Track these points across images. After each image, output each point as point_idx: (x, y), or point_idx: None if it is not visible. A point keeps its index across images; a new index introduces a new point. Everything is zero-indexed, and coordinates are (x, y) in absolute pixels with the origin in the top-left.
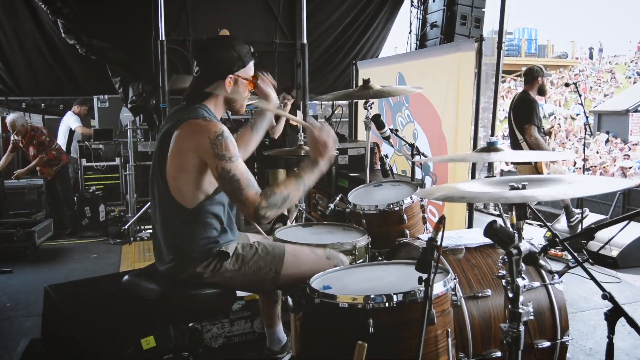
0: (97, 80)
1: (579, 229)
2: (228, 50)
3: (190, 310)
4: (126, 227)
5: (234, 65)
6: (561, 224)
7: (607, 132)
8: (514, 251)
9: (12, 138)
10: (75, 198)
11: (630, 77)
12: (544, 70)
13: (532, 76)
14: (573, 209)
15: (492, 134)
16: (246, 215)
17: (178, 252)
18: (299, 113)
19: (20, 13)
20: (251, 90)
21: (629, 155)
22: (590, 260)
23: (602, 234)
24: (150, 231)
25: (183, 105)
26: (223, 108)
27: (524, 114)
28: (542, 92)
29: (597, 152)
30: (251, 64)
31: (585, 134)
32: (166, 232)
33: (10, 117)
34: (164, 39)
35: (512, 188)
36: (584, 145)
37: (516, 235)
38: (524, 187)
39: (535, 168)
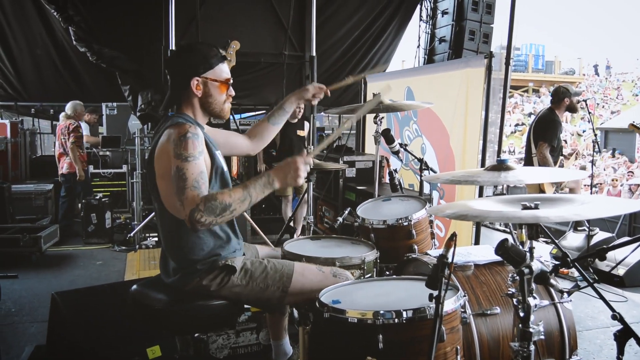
0: (107, 87)
1: (588, 245)
2: (191, 53)
3: (197, 321)
4: (132, 234)
5: (199, 67)
6: (568, 241)
7: (614, 150)
8: (526, 270)
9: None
10: (81, 204)
11: (637, 95)
12: (571, 90)
13: (558, 97)
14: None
15: (499, 150)
16: (182, 216)
17: (182, 265)
18: (307, 124)
19: (32, 19)
20: (231, 94)
21: (632, 173)
22: (596, 278)
23: (610, 252)
24: (156, 239)
25: (164, 118)
26: (203, 113)
27: (542, 131)
28: (571, 110)
29: (605, 170)
30: (222, 66)
31: (593, 151)
32: (168, 245)
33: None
34: (173, 48)
35: (525, 207)
36: (592, 162)
37: (528, 254)
38: (536, 207)
39: (539, 186)
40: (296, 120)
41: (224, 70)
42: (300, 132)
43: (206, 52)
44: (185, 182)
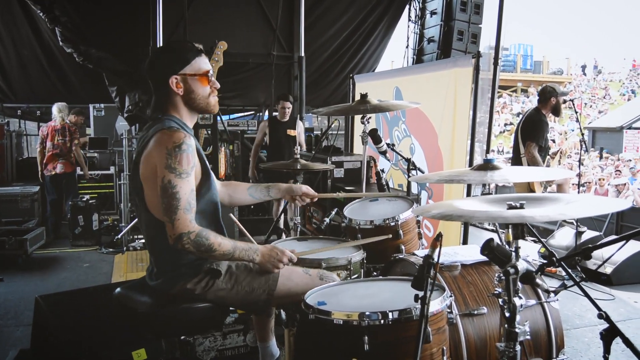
0: (94, 88)
1: (576, 244)
2: (164, 53)
3: (182, 324)
4: (119, 236)
5: (175, 65)
6: (556, 240)
7: (602, 149)
8: (511, 270)
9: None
10: (68, 207)
11: (624, 94)
12: (558, 89)
13: (544, 97)
14: None
15: (488, 150)
16: (168, 235)
17: (166, 268)
18: (300, 123)
19: (18, 20)
20: (215, 87)
21: (620, 172)
22: (584, 277)
23: (597, 251)
24: (143, 241)
25: (150, 123)
26: (189, 113)
27: (529, 131)
28: (556, 112)
29: (592, 169)
30: (199, 59)
31: (581, 150)
32: (152, 248)
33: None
34: None
35: (510, 207)
36: (580, 161)
37: (513, 254)
38: (522, 207)
39: (529, 186)
40: (286, 119)
41: (201, 63)
42: (290, 132)
43: (179, 48)
44: (178, 201)
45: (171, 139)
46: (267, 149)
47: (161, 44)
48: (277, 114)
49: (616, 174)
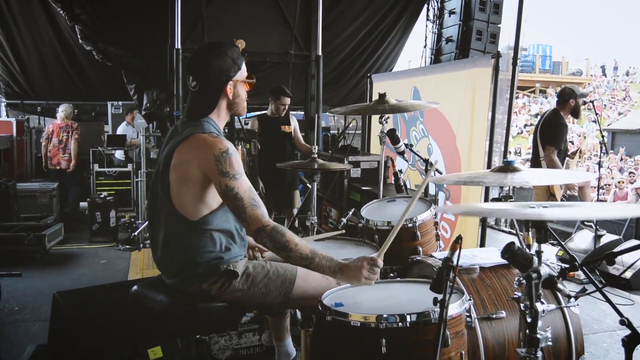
0: (112, 86)
1: (595, 247)
2: (222, 57)
3: (198, 323)
4: (136, 233)
5: (231, 70)
6: (574, 243)
7: (620, 150)
8: (534, 275)
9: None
10: (87, 203)
11: None
12: (577, 91)
13: (563, 98)
14: None
15: (506, 151)
16: (248, 233)
17: (183, 267)
18: (293, 118)
19: (38, 18)
20: (248, 90)
21: (634, 173)
22: (604, 282)
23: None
24: None
25: (186, 120)
26: (226, 116)
27: (548, 134)
28: (575, 114)
29: (611, 171)
30: (244, 64)
31: (600, 152)
32: (171, 245)
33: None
34: (179, 47)
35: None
36: (599, 163)
37: (535, 258)
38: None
39: (548, 190)
40: (282, 115)
41: (244, 68)
42: (285, 128)
43: (232, 53)
44: (242, 201)
45: (216, 146)
46: (261, 147)
47: (179, 43)
48: (266, 111)
49: (630, 176)
